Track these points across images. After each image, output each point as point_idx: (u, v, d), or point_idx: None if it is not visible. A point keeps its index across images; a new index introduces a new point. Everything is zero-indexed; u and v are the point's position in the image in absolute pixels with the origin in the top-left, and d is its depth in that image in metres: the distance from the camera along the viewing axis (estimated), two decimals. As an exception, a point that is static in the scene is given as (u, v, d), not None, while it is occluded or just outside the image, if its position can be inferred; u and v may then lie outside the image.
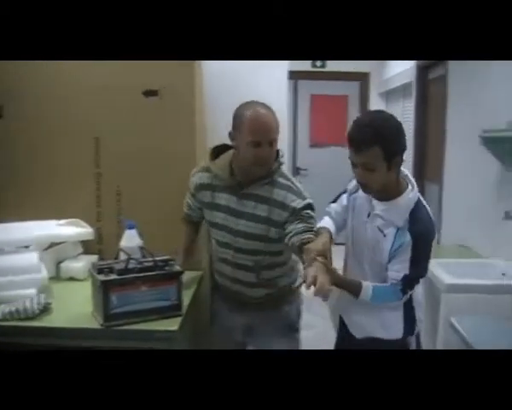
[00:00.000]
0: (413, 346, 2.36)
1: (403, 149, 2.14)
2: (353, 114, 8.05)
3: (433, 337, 3.06)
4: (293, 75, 7.65)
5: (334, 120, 8.04)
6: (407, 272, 2.14)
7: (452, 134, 4.68)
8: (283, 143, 3.54)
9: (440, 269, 3.16)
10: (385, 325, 2.30)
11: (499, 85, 3.55)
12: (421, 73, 5.79)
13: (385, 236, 2.18)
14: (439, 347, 3.01)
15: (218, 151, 2.47)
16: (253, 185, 2.32)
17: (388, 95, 7.71)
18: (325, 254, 2.03)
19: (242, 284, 2.48)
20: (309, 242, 2.12)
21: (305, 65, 7.61)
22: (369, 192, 2.21)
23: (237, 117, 2.29)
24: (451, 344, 2.36)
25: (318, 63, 7.81)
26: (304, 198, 2.31)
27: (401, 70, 6.46)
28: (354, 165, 2.14)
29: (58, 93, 2.91)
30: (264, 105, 2.31)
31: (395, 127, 2.14)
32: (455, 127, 4.61)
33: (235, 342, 2.59)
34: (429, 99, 5.72)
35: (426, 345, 3.28)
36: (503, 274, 3.26)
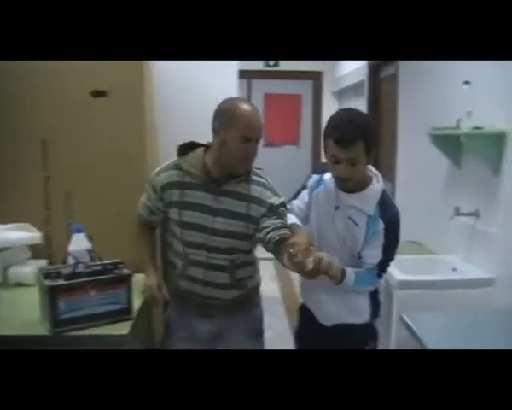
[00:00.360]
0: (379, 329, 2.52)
1: (377, 143, 2.19)
2: (307, 113, 8.11)
3: (387, 334, 3.08)
4: (247, 74, 7.68)
5: (287, 119, 8.08)
6: (381, 256, 2.30)
7: (403, 132, 4.74)
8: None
9: (392, 265, 3.18)
10: (354, 311, 2.41)
11: (448, 84, 3.60)
12: (373, 72, 5.86)
13: (357, 225, 2.28)
14: (393, 344, 3.03)
15: (186, 149, 2.35)
16: (229, 182, 2.27)
17: (341, 94, 7.77)
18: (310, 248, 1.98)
19: (215, 286, 2.36)
20: (286, 238, 2.09)
21: (258, 64, 7.62)
22: (349, 186, 2.27)
23: (226, 112, 2.21)
24: (404, 341, 2.37)
25: (271, 62, 7.83)
26: (279, 195, 2.33)
27: (353, 69, 6.53)
28: (337, 161, 2.19)
29: (2, 94, 2.83)
30: (250, 102, 2.31)
31: (372, 123, 2.34)
32: (406, 125, 4.67)
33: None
34: (381, 98, 5.78)
35: (380, 343, 3.31)
36: (454, 269, 3.31)
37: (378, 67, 5.73)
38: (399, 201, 4.79)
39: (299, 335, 2.68)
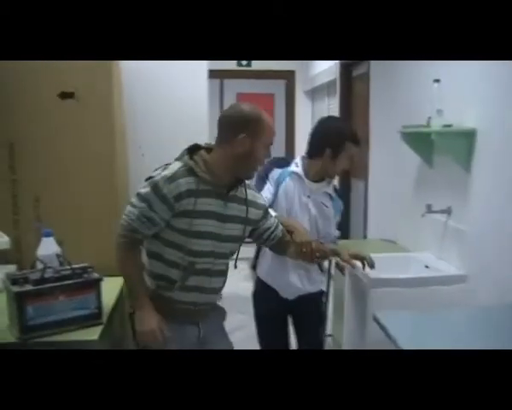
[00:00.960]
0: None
1: None
2: (280, 112, 8.09)
3: (362, 333, 3.07)
4: (219, 74, 7.65)
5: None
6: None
7: (375, 131, 4.76)
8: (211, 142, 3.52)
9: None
10: (313, 282, 2.95)
11: (419, 82, 3.62)
12: (345, 71, 5.86)
13: (328, 207, 2.86)
14: (367, 342, 3.03)
15: (192, 152, 2.23)
16: (235, 188, 2.26)
17: (314, 93, 7.77)
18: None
19: (215, 291, 2.38)
20: (286, 233, 2.55)
21: (230, 64, 7.58)
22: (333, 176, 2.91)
23: (253, 120, 2.17)
24: (378, 339, 2.36)
25: (244, 62, 7.79)
26: (260, 194, 2.52)
27: (325, 68, 6.52)
28: (353, 158, 2.90)
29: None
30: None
31: None
32: (378, 124, 4.68)
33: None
34: (353, 97, 5.80)
35: (355, 341, 3.32)
36: (427, 267, 3.32)
37: (350, 66, 5.74)
38: (372, 199, 4.82)
39: (264, 314, 2.99)
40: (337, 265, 3.85)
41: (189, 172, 2.14)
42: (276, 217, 2.55)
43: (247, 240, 2.46)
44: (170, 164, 2.18)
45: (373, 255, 3.33)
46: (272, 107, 8.08)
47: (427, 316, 2.53)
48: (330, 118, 3.25)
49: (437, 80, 3.10)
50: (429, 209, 3.30)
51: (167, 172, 2.11)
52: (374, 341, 2.91)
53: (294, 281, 2.87)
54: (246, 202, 2.30)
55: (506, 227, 2.69)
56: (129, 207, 2.15)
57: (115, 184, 2.90)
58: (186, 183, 2.11)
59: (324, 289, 3.12)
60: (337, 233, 2.95)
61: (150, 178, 2.14)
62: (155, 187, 2.09)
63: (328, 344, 4.25)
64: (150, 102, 3.55)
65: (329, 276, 4.18)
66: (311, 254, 2.56)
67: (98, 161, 2.83)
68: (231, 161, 2.18)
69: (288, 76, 8.01)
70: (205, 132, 3.85)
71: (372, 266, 2.67)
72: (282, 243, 2.55)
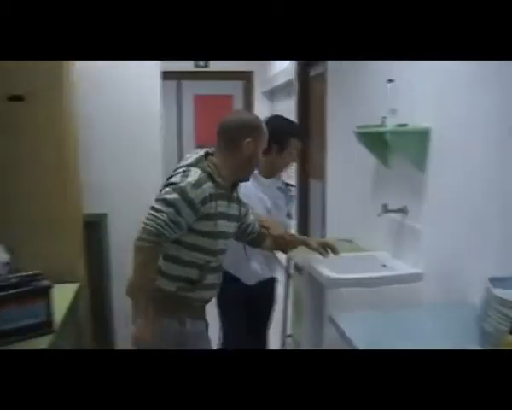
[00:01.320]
0: None
1: None
2: (238, 113, 8.06)
3: (320, 334, 3.07)
4: (176, 75, 7.58)
5: (218, 120, 7.99)
6: None
7: (332, 131, 4.76)
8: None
9: (323, 264, 3.19)
10: (270, 268, 3.21)
11: (375, 82, 3.63)
12: (302, 71, 5.87)
13: (281, 200, 3.18)
14: (325, 343, 3.02)
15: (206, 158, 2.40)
16: (235, 189, 2.53)
17: (272, 93, 7.78)
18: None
19: (218, 287, 2.55)
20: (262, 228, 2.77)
21: (187, 65, 7.52)
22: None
23: (256, 126, 2.46)
24: (336, 340, 2.36)
25: (201, 63, 7.74)
26: None
27: (283, 68, 6.52)
28: (297, 153, 3.11)
29: None
30: None
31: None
32: (334, 124, 4.69)
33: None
34: (311, 96, 5.81)
35: (314, 342, 3.31)
36: (384, 266, 3.33)
37: (307, 65, 5.75)
38: (330, 199, 4.83)
39: (228, 302, 3.07)
40: (295, 265, 3.84)
41: (209, 177, 2.30)
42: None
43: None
44: (188, 170, 2.28)
45: (331, 255, 3.36)
46: (231, 108, 8.06)
47: (383, 315, 2.53)
48: (276, 117, 3.36)
49: (391, 80, 3.12)
50: (385, 209, 3.31)
51: (191, 179, 2.23)
52: (331, 341, 2.92)
53: (256, 268, 3.09)
54: (239, 201, 2.55)
55: (460, 226, 2.71)
56: (154, 213, 2.18)
57: (66, 188, 2.84)
58: (208, 188, 2.27)
59: (277, 276, 3.40)
60: (288, 222, 3.29)
61: (171, 184, 2.25)
62: (182, 192, 2.20)
63: (288, 344, 4.25)
64: (103, 104, 3.51)
65: (288, 275, 4.19)
66: (286, 246, 2.89)
67: (48, 167, 2.76)
68: (238, 164, 2.41)
69: (247, 77, 8.00)
70: (157, 133, 3.81)
71: (336, 252, 2.90)
72: (259, 237, 2.76)
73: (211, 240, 2.33)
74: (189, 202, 2.20)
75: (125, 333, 3.65)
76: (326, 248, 2.89)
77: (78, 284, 2.68)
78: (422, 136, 2.97)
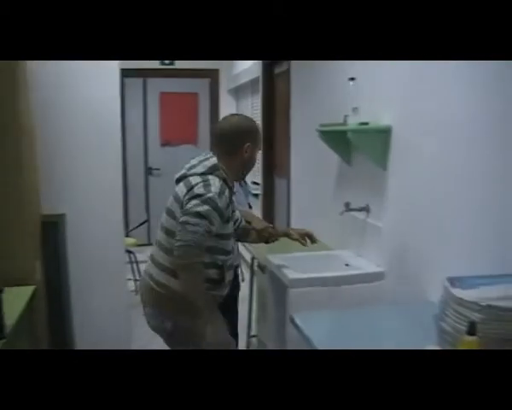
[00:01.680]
0: None
1: None
2: (204, 111, 8.02)
3: (282, 334, 3.05)
4: (142, 73, 7.52)
5: (184, 118, 7.96)
6: None
7: (296, 129, 4.75)
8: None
9: (286, 264, 3.17)
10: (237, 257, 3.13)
11: (337, 81, 3.62)
12: (267, 69, 5.86)
13: (239, 194, 3.20)
14: (288, 343, 3.00)
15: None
16: (233, 190, 2.66)
17: (238, 91, 7.76)
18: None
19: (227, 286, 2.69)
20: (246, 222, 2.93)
21: (154, 62, 7.45)
22: None
23: (254, 130, 2.65)
24: (297, 341, 2.34)
25: (167, 60, 7.67)
26: None
27: (248, 66, 6.50)
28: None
29: None
30: None
31: None
32: (298, 122, 4.68)
33: None
34: (276, 94, 5.79)
35: (278, 342, 3.29)
36: (347, 265, 3.33)
37: (272, 63, 5.73)
38: (295, 197, 4.82)
39: None
40: (259, 264, 3.81)
41: (225, 184, 2.48)
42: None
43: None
44: (207, 179, 2.43)
45: (294, 254, 3.36)
46: (196, 106, 8.00)
47: (344, 314, 2.53)
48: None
49: (352, 78, 3.11)
50: (347, 207, 3.31)
51: (214, 189, 2.40)
52: (295, 341, 2.90)
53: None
54: (231, 200, 2.60)
55: (421, 224, 2.71)
56: (191, 228, 2.31)
57: (23, 189, 2.77)
58: (228, 194, 2.48)
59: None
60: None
61: (197, 196, 2.37)
62: (213, 203, 2.37)
63: (253, 345, 4.23)
64: (62, 103, 3.44)
65: (252, 273, 4.16)
66: (269, 238, 2.99)
67: (4, 165, 2.68)
68: (239, 167, 2.60)
69: (212, 75, 7.96)
70: (117, 131, 3.75)
71: (314, 241, 3.06)
72: (245, 231, 2.92)
73: (227, 241, 2.55)
74: (219, 211, 2.40)
75: (84, 333, 3.64)
76: (305, 238, 3.03)
77: (33, 287, 2.61)
78: (383, 134, 2.97)
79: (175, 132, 7.95)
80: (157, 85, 7.85)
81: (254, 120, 2.77)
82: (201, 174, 2.46)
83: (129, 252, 5.79)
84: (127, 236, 6.07)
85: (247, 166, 2.66)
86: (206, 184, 2.40)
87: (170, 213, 2.52)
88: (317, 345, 2.06)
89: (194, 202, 2.35)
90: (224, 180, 2.48)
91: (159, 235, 2.60)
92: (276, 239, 3.08)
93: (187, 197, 2.40)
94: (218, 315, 2.48)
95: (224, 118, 2.74)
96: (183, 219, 2.34)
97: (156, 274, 2.54)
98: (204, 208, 2.33)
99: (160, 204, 8.39)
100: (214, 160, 2.52)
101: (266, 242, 3.05)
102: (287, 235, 3.06)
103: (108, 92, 3.55)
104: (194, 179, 2.45)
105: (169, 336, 2.60)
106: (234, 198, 2.74)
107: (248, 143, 2.58)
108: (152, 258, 2.62)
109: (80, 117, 3.56)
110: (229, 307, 2.95)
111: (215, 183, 2.42)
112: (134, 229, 6.49)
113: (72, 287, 3.63)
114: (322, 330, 2.29)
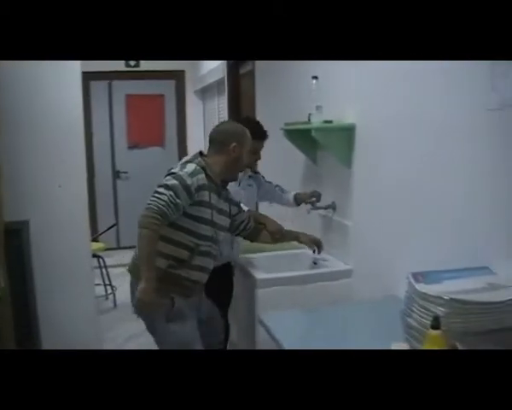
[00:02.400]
0: None
1: None
2: (171, 113, 7.97)
3: (252, 335, 3.04)
4: (107, 75, 7.44)
5: (151, 120, 7.90)
6: None
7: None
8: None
9: (253, 264, 3.17)
10: (236, 250, 3.34)
11: (300, 80, 3.62)
12: (232, 69, 5.84)
13: (251, 186, 3.50)
14: (258, 344, 2.99)
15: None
16: (224, 188, 2.86)
17: (204, 92, 7.73)
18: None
19: (210, 272, 2.81)
20: (256, 224, 3.10)
21: (118, 64, 7.38)
22: None
23: (241, 132, 2.83)
24: (267, 341, 2.33)
25: (132, 62, 7.61)
26: None
27: (214, 67, 6.48)
28: (256, 152, 3.29)
29: None
30: None
31: None
32: (264, 122, 4.62)
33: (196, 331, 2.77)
34: (241, 94, 5.78)
35: (247, 343, 3.28)
36: (315, 263, 3.34)
37: (237, 63, 5.72)
38: (262, 197, 4.79)
39: None
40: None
41: (202, 170, 2.66)
42: (248, 211, 3.11)
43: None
44: (185, 164, 2.68)
45: (262, 254, 3.36)
46: (163, 108, 7.94)
47: (313, 313, 2.54)
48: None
49: (315, 77, 3.11)
50: (314, 206, 3.32)
51: (188, 170, 2.61)
52: (265, 342, 2.90)
53: (225, 249, 3.08)
54: (229, 200, 2.89)
55: (386, 221, 2.73)
56: (156, 195, 2.51)
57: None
58: (202, 178, 2.63)
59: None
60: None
61: (171, 173, 2.60)
62: (181, 179, 2.56)
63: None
64: (21, 107, 3.39)
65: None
66: (281, 240, 3.19)
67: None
68: (226, 165, 2.77)
69: (178, 76, 7.92)
70: (80, 135, 3.71)
71: (321, 250, 3.21)
72: (255, 232, 3.08)
73: (202, 225, 2.66)
74: (186, 188, 2.55)
75: (51, 340, 3.59)
76: (313, 245, 3.21)
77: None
78: (347, 132, 2.99)
79: (142, 135, 7.88)
80: (122, 88, 7.76)
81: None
82: (184, 162, 2.73)
83: (97, 257, 5.72)
84: (96, 240, 6.01)
85: (234, 165, 2.81)
86: (183, 167, 2.65)
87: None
88: (285, 345, 2.06)
89: (166, 177, 2.60)
90: (203, 168, 2.66)
91: None
92: (288, 241, 3.32)
93: (164, 176, 2.65)
94: (153, 278, 2.51)
95: (218, 123, 3.12)
96: (155, 189, 2.56)
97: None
98: (171, 182, 2.54)
99: (128, 207, 8.32)
100: (197, 152, 2.79)
101: (276, 242, 3.22)
102: (297, 239, 3.24)
103: (70, 95, 3.50)
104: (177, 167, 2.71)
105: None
106: (238, 192, 3.11)
107: (235, 144, 2.76)
108: None
109: (41, 121, 3.51)
110: (213, 298, 3.02)
111: (190, 166, 2.64)
112: (102, 233, 6.42)
113: (37, 294, 3.58)
114: (291, 330, 2.30)
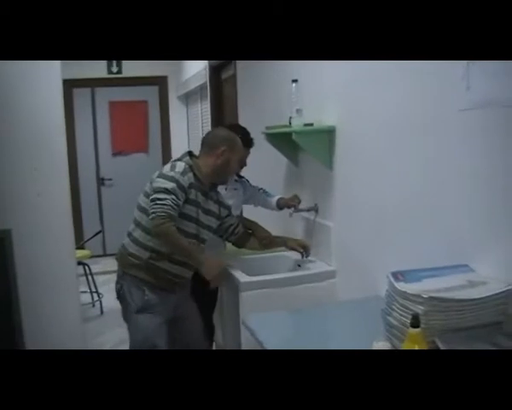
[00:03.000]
0: None
1: None
2: (154, 119, 7.95)
3: (237, 338, 3.04)
4: (89, 82, 7.42)
5: (135, 126, 7.88)
6: None
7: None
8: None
9: (237, 267, 3.17)
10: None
11: (281, 83, 3.63)
12: (214, 74, 5.85)
13: (237, 189, 3.52)
14: (243, 346, 2.99)
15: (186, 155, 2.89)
16: (214, 189, 2.96)
17: (188, 97, 7.73)
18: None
19: (192, 268, 2.84)
20: (245, 229, 3.19)
21: (101, 71, 7.37)
22: None
23: (231, 138, 2.92)
24: (252, 343, 2.33)
25: (114, 69, 7.60)
26: None
27: (196, 72, 6.48)
28: (243, 159, 3.31)
29: None
30: None
31: None
32: (246, 125, 4.64)
33: (166, 320, 2.85)
34: (224, 99, 5.79)
35: (232, 346, 3.28)
36: (299, 265, 3.34)
37: (219, 68, 5.74)
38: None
39: None
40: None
41: (190, 169, 2.77)
42: (237, 217, 3.22)
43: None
44: (174, 163, 2.79)
45: (245, 257, 3.36)
46: (146, 114, 7.93)
47: (296, 315, 2.54)
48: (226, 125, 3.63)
49: (295, 80, 3.13)
50: (296, 208, 3.33)
51: (179, 169, 2.73)
52: (250, 344, 2.90)
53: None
54: (219, 202, 2.98)
55: (368, 221, 2.74)
56: (159, 202, 2.61)
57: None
58: (191, 177, 2.75)
59: None
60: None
61: (163, 175, 2.70)
62: (177, 181, 2.67)
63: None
64: (3, 112, 3.37)
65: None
66: (270, 246, 3.28)
67: None
68: (215, 168, 2.85)
69: (161, 82, 7.91)
70: (62, 142, 3.70)
71: (308, 254, 3.26)
72: (243, 238, 3.14)
73: (185, 221, 2.74)
74: (182, 188, 2.68)
75: (36, 348, 3.56)
76: (304, 249, 3.26)
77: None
78: (328, 134, 3.00)
79: (126, 141, 7.85)
80: (105, 95, 7.74)
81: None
82: (174, 160, 2.85)
83: (83, 264, 5.70)
84: (81, 247, 5.99)
85: (222, 169, 2.88)
86: (173, 167, 2.74)
87: (144, 193, 2.79)
88: (268, 347, 2.06)
89: (160, 179, 2.68)
90: (191, 167, 2.77)
91: (136, 212, 2.85)
92: (277, 247, 3.36)
93: (155, 176, 2.76)
94: (206, 255, 2.78)
95: (212, 128, 3.29)
96: (152, 196, 2.65)
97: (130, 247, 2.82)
98: (170, 185, 2.64)
99: (113, 214, 8.28)
100: (187, 155, 2.87)
101: (265, 249, 3.29)
102: (285, 244, 3.28)
103: (50, 102, 3.48)
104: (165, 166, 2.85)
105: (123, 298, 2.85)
106: (224, 196, 3.12)
107: (224, 148, 2.85)
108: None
109: (19, 129, 3.49)
110: (198, 300, 3.10)
111: (180, 165, 2.75)
112: (87, 240, 6.39)
113: (21, 304, 3.55)
114: (274, 331, 2.30)
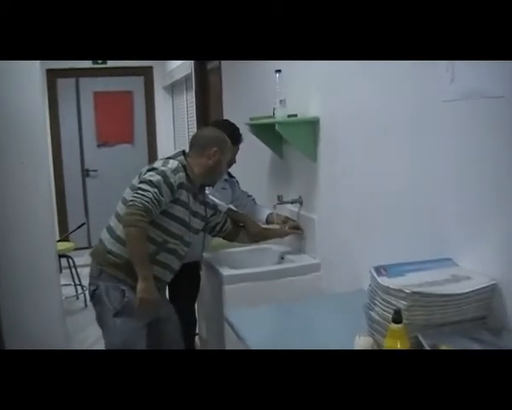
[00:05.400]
0: None
1: None
2: (140, 110, 7.89)
3: (221, 332, 3.01)
4: (74, 72, 7.34)
5: (120, 117, 7.81)
6: None
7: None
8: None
9: (220, 260, 3.14)
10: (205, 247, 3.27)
11: (265, 74, 3.59)
12: (199, 65, 5.82)
13: (226, 189, 3.44)
14: (227, 340, 2.97)
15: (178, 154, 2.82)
16: (202, 191, 2.91)
17: (173, 88, 7.68)
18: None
19: (174, 271, 2.83)
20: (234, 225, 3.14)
21: (85, 61, 7.27)
22: None
23: (222, 139, 2.87)
24: (234, 338, 2.31)
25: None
26: None
27: (181, 62, 6.44)
28: (232, 159, 3.28)
29: None
30: None
31: None
32: (231, 117, 4.62)
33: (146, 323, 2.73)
34: (209, 89, 5.75)
35: (216, 341, 3.25)
36: (282, 258, 3.32)
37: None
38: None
39: None
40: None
41: (183, 168, 2.69)
42: (226, 212, 3.12)
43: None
44: (167, 160, 2.72)
45: (229, 250, 3.33)
46: (131, 104, 7.86)
47: (280, 309, 2.53)
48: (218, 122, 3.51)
49: (278, 71, 3.09)
50: (280, 200, 3.30)
51: (171, 166, 2.65)
52: (233, 338, 2.87)
53: (196, 247, 3.09)
54: (205, 203, 2.92)
55: (352, 214, 2.73)
56: (140, 192, 2.53)
57: None
58: (183, 177, 2.67)
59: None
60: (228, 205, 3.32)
61: (153, 168, 2.64)
62: (164, 175, 2.59)
63: (196, 344, 4.18)
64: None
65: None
66: (261, 239, 3.26)
67: None
68: (205, 168, 2.80)
69: (146, 72, 7.85)
70: (43, 133, 3.64)
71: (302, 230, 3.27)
72: (232, 233, 3.12)
73: (174, 222, 2.68)
74: (169, 185, 2.59)
75: (16, 343, 3.52)
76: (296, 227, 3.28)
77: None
78: (311, 126, 2.98)
79: (111, 132, 7.77)
80: (90, 85, 7.64)
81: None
82: (166, 158, 2.78)
83: (66, 256, 5.65)
84: (65, 240, 5.94)
85: (213, 170, 2.84)
86: (165, 163, 2.68)
87: (131, 186, 2.70)
88: (250, 343, 2.04)
89: (149, 173, 2.61)
90: (184, 167, 2.70)
91: (119, 206, 2.75)
92: (269, 239, 3.33)
93: (145, 169, 2.70)
94: (151, 275, 2.58)
95: (200, 128, 3.22)
96: (137, 186, 2.59)
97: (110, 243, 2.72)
98: (156, 178, 2.56)
99: (98, 206, 8.25)
100: (179, 150, 2.86)
101: (256, 242, 3.30)
102: (278, 235, 3.31)
103: (30, 93, 3.43)
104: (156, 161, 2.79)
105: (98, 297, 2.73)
106: (213, 197, 3.11)
107: (215, 149, 2.80)
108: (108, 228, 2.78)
109: (4, 122, 3.44)
110: (179, 292, 3.14)
111: (173, 163, 2.67)
112: (71, 233, 6.34)
113: (1, 296, 3.52)
114: (257, 326, 2.27)
